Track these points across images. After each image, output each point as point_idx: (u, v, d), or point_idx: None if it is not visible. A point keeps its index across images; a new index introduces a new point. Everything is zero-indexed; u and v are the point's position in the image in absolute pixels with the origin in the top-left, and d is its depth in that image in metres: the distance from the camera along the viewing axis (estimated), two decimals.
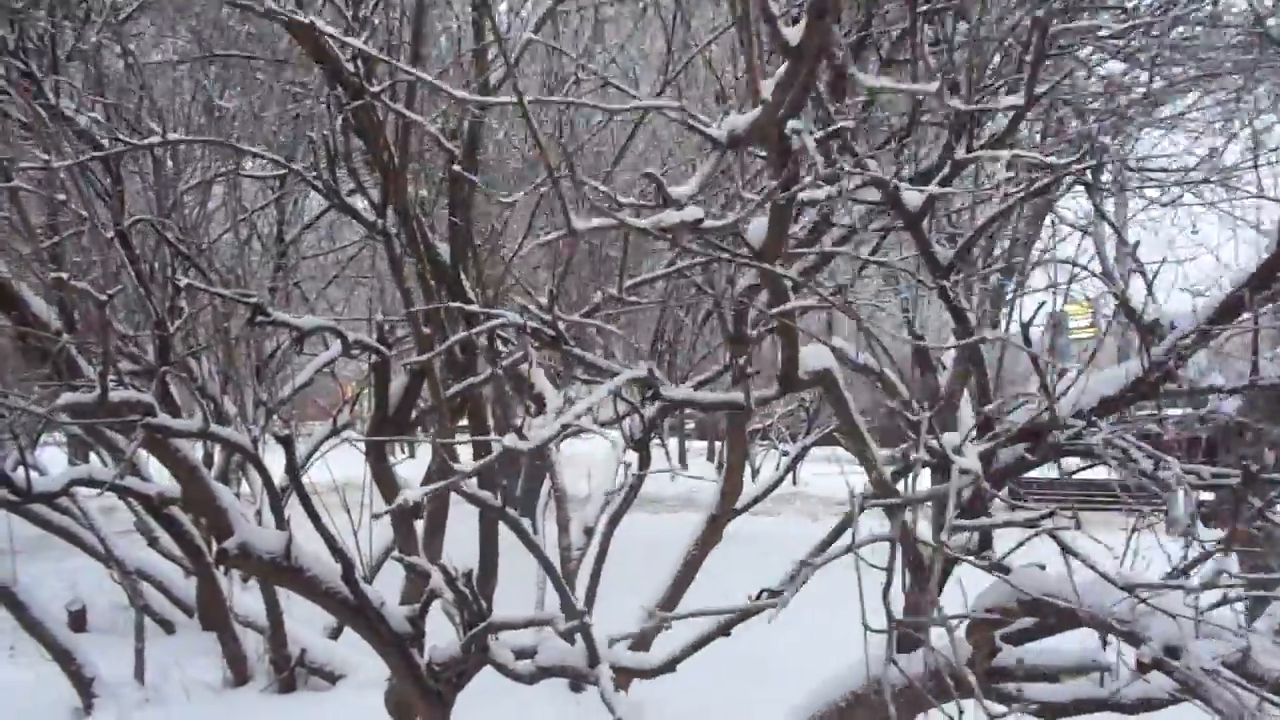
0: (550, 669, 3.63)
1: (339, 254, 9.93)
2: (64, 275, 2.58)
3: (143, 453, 7.92)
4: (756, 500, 6.84)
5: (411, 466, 9.92)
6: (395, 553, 4.35)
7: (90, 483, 5.13)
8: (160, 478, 8.68)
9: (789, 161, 1.77)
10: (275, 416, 5.95)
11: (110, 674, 7.02)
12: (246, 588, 8.07)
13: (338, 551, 3.79)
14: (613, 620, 6.21)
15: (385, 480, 4.24)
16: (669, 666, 3.54)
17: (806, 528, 14.67)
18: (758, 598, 3.41)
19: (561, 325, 2.57)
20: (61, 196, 3.34)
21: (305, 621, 7.56)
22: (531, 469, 14.84)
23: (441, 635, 4.36)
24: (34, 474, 4.65)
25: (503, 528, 4.48)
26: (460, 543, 5.77)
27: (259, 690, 7.12)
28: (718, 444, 22.46)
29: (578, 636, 3.51)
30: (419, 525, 4.94)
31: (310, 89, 5.74)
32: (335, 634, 7.83)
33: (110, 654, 7.59)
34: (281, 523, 3.84)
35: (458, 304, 3.30)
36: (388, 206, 3.10)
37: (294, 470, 3.53)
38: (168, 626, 8.55)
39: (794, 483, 18.84)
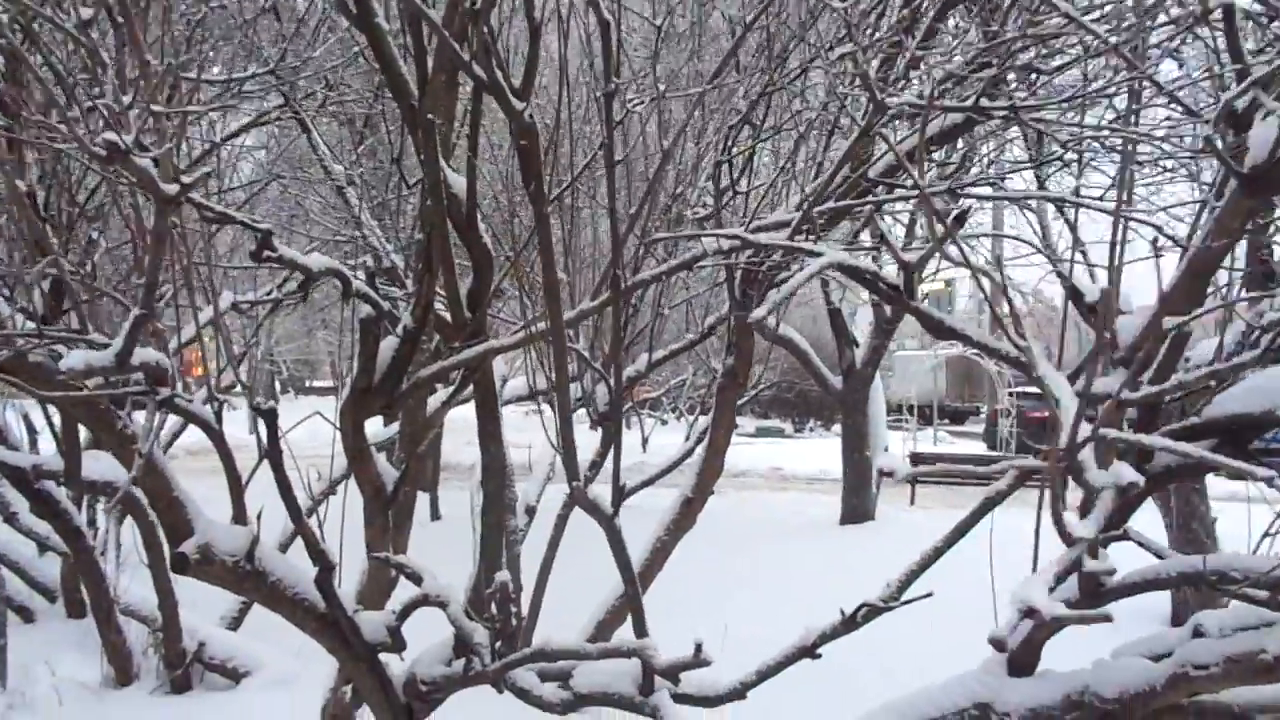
0: (591, 696, 2.98)
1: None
2: None
3: (11, 415, 6.75)
4: (667, 471, 6.41)
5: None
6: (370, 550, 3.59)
7: None
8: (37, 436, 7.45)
9: None
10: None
11: None
12: (124, 569, 7.01)
13: (320, 554, 3.02)
14: (562, 615, 5.57)
15: (362, 460, 3.46)
16: (739, 693, 2.95)
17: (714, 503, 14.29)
18: (857, 613, 2.86)
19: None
20: None
21: (198, 608, 6.60)
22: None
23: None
24: None
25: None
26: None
27: (148, 691, 6.14)
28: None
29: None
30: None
31: None
32: (235, 625, 6.90)
33: None
34: (241, 515, 3.03)
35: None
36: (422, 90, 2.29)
37: (276, 453, 2.74)
38: (25, 614, 7.37)
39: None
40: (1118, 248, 2.12)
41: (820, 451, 22.14)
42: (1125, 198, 2.34)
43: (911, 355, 30.19)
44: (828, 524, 13.55)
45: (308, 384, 41.05)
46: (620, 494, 2.70)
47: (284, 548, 6.34)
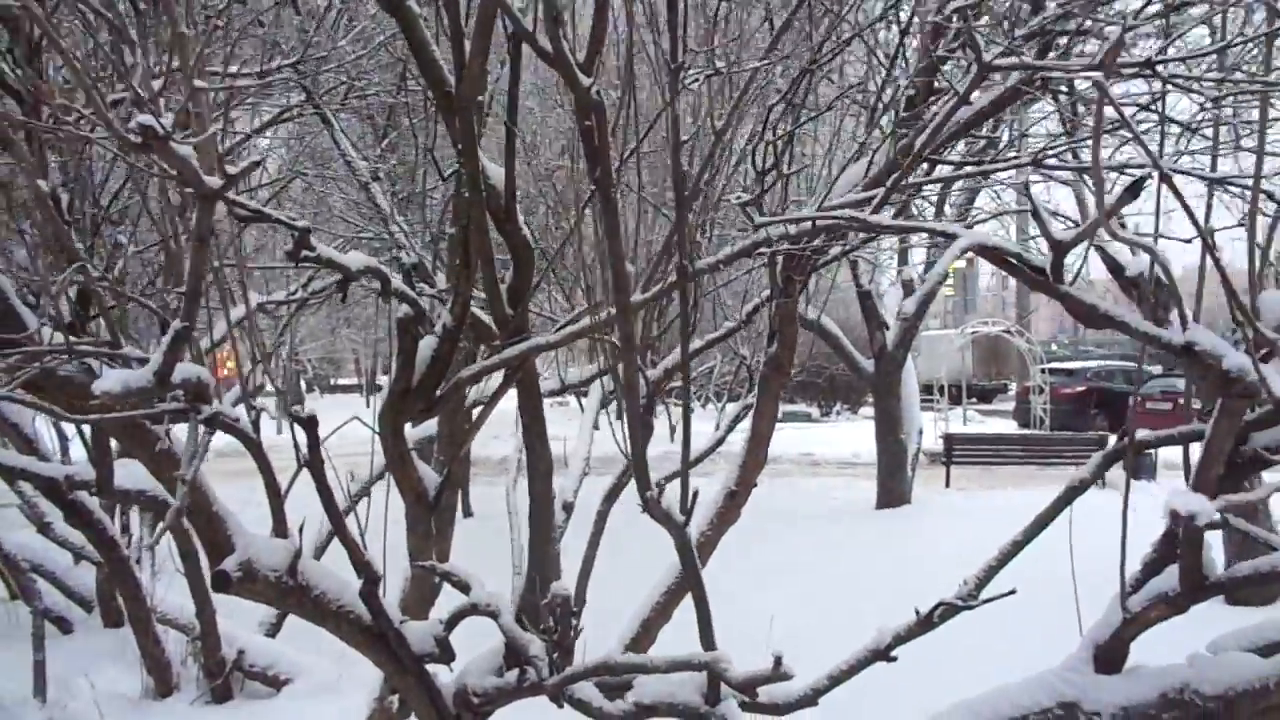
0: (655, 708, 2.84)
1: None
2: None
3: (42, 423, 6.68)
4: (697, 461, 6.24)
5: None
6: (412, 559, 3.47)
7: None
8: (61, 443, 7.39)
9: None
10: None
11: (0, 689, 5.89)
12: (159, 577, 6.95)
13: (365, 565, 2.89)
14: (600, 613, 5.42)
15: (403, 465, 3.33)
16: (810, 700, 2.80)
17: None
18: (933, 612, 2.71)
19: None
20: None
21: (235, 615, 6.52)
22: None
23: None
24: None
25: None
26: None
27: (189, 702, 6.07)
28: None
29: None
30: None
31: None
32: (274, 631, 6.82)
33: None
34: (282, 527, 2.91)
35: None
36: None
37: (318, 463, 2.61)
38: (63, 625, 7.33)
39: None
40: (1256, 223, 1.94)
41: (850, 435, 21.92)
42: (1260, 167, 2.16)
43: (938, 335, 29.87)
44: (864, 508, 13.38)
45: (333, 382, 41.21)
46: (691, 501, 2.54)
47: (319, 552, 6.25)
